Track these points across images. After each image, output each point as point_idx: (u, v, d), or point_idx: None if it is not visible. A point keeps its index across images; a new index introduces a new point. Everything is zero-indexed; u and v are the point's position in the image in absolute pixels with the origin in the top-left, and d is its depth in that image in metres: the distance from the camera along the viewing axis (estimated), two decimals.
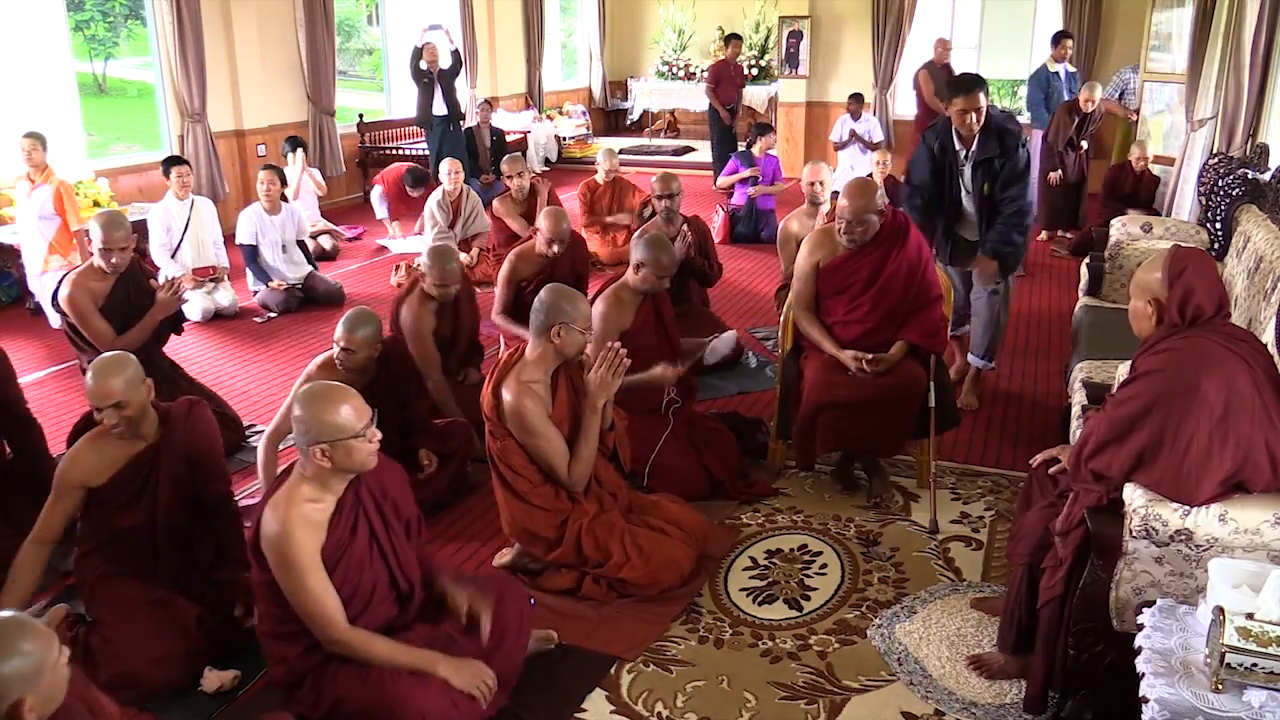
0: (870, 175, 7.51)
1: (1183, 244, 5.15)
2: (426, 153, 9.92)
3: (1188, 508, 2.51)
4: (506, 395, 3.35)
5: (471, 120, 11.15)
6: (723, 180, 9.04)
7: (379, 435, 2.68)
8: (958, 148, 4.73)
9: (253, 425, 4.90)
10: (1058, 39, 8.85)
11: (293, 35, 9.57)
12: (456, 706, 2.65)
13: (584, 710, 2.86)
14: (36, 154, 6.40)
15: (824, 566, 3.60)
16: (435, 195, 7.42)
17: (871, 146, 10.83)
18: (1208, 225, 5.38)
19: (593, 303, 4.12)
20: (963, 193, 4.83)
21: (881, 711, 2.84)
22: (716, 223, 8.85)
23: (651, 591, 3.35)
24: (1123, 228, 5.88)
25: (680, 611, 3.31)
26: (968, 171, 4.75)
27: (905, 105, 11.79)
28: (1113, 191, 8.10)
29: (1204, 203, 5.66)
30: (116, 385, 3.04)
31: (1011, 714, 2.82)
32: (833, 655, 3.09)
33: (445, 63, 9.70)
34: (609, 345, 3.40)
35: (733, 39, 11.19)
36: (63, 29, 7.94)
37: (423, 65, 9.59)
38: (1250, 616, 2.21)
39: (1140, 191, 8.06)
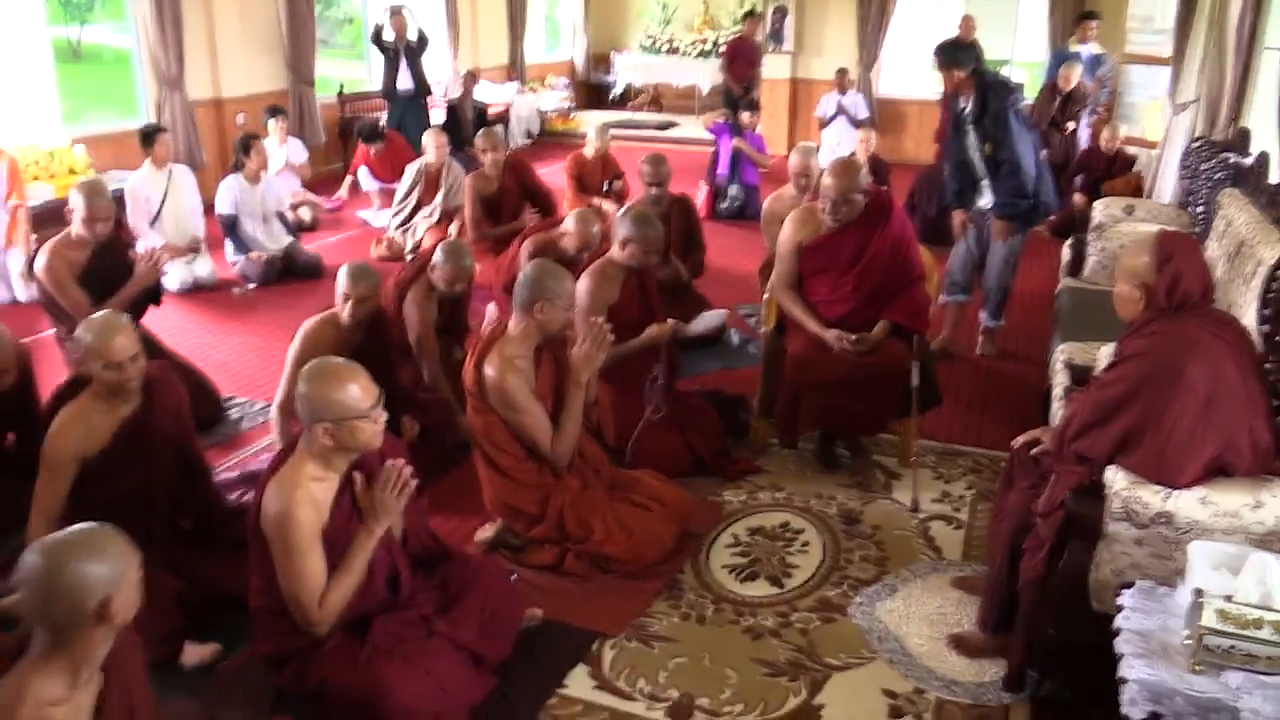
0: (854, 153, 7.50)
1: (1167, 227, 5.20)
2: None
3: (1169, 490, 2.53)
4: (489, 371, 3.33)
5: (455, 93, 11.07)
6: (706, 118, 9.11)
7: (385, 415, 2.67)
8: (960, 106, 5.06)
9: (231, 398, 4.86)
10: (1081, 19, 8.88)
11: (272, 2, 9.42)
12: (444, 691, 2.65)
13: (566, 686, 2.87)
14: None
15: (805, 544, 3.61)
16: (414, 164, 7.35)
17: (857, 123, 10.83)
18: (1189, 209, 5.40)
19: (577, 278, 4.11)
20: (970, 153, 5.10)
21: (862, 689, 2.86)
22: (699, 198, 8.82)
23: (634, 567, 3.36)
24: (1105, 209, 5.89)
25: (662, 588, 3.32)
26: (971, 132, 5.04)
27: (890, 84, 11.79)
28: (1085, 174, 8.12)
29: (1186, 186, 5.68)
30: (129, 339, 3.03)
31: (991, 692, 2.85)
32: (814, 632, 3.11)
33: (412, 35, 9.60)
34: (593, 320, 3.39)
35: (751, 16, 11.11)
36: None
37: (387, 38, 9.51)
38: (1229, 599, 2.24)
39: (1113, 173, 8.08)
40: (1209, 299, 2.67)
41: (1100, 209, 5.90)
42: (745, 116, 8.88)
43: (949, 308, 5.48)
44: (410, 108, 9.69)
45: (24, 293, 6.22)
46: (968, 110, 5.00)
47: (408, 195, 7.31)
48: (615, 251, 4.17)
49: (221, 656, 2.99)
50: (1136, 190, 7.79)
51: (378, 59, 11.12)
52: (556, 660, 2.96)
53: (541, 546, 3.44)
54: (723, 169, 8.86)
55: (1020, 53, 11.56)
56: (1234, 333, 2.64)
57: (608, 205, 5.09)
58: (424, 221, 7.26)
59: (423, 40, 9.72)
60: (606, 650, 3.02)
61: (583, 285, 4.06)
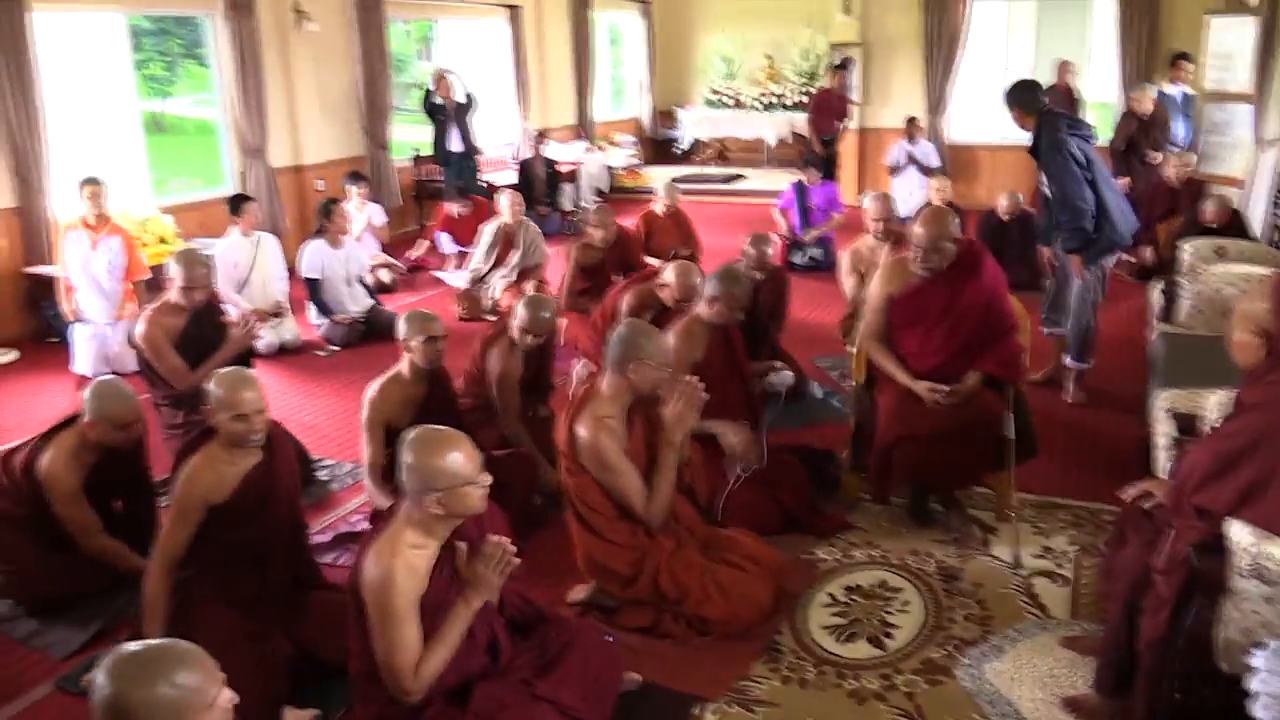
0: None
1: (1262, 270, 5.06)
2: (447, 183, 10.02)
3: None
4: (582, 432, 3.33)
5: (526, 153, 11.26)
6: (777, 215, 8.99)
7: (489, 479, 2.68)
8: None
9: (320, 459, 4.92)
10: (1175, 60, 8.77)
11: (349, 71, 9.70)
12: None
13: None
14: (98, 201, 6.21)
15: (905, 603, 3.52)
16: (490, 224, 7.46)
17: (927, 171, 10.76)
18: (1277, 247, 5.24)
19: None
20: (1042, 189, 5.25)
21: None
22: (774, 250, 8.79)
23: (731, 629, 3.30)
24: (1195, 251, 5.75)
25: (760, 650, 3.26)
26: (1039, 169, 5.21)
27: (961, 129, 11.71)
28: (1150, 210, 7.73)
29: (1277, 225, 5.52)
30: (256, 394, 3.17)
31: None
32: (921, 696, 3.02)
33: (459, 97, 9.87)
34: (687, 380, 3.37)
35: (840, 68, 11.13)
36: (128, 69, 8.14)
37: (436, 100, 9.78)
38: None
39: (1178, 207, 7.71)
40: None
41: (1190, 251, 5.75)
42: (805, 176, 8.85)
43: (1051, 338, 5.59)
44: (464, 168, 9.91)
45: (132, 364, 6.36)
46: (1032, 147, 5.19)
47: (487, 255, 7.40)
48: (702, 309, 4.17)
49: None
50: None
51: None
52: None
53: (636, 608, 3.40)
54: (797, 230, 8.79)
55: (1091, 93, 11.41)
56: None
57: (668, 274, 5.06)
58: (501, 280, 7.35)
59: (470, 101, 9.99)
60: (708, 715, 2.96)
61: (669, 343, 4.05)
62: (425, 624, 2.63)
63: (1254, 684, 2.29)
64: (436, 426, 2.77)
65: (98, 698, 1.77)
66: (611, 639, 3.27)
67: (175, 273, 4.55)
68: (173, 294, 4.58)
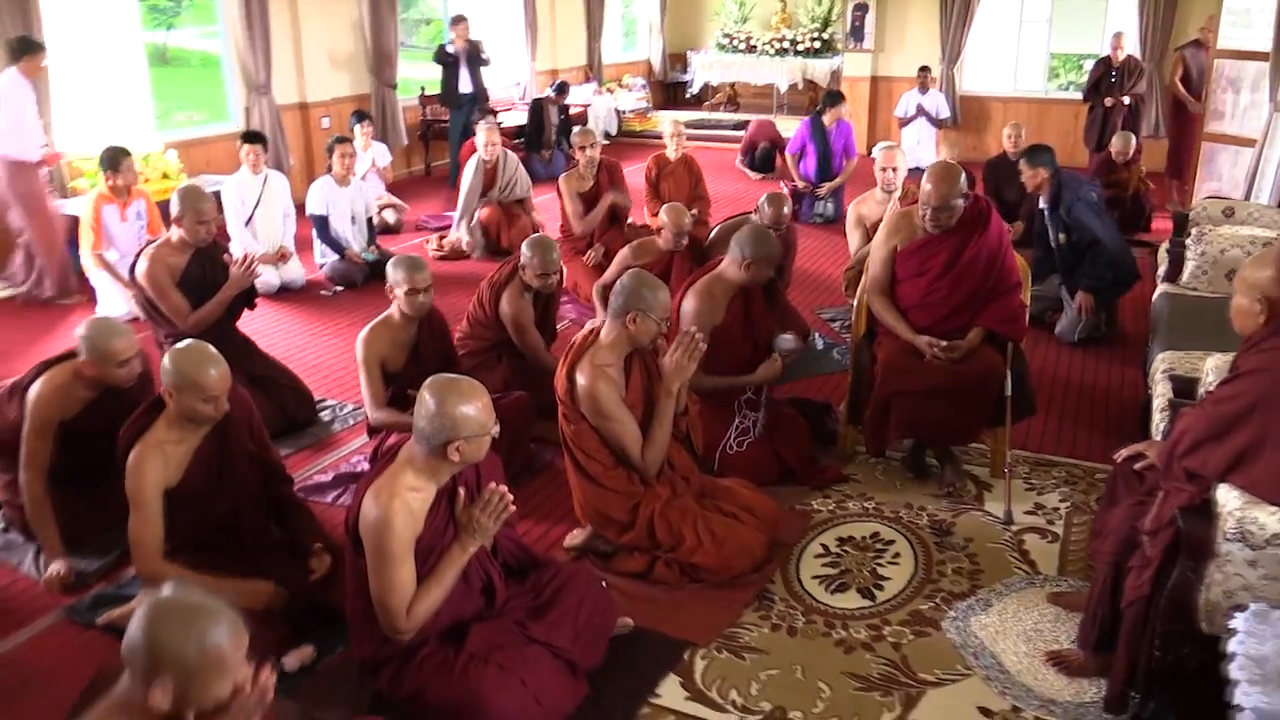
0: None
1: (1269, 230, 5.03)
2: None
3: None
4: (580, 379, 3.35)
5: (534, 94, 11.17)
6: (792, 160, 8.90)
7: (498, 430, 2.71)
8: (1040, 204, 5.68)
9: (323, 400, 4.95)
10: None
11: (355, 8, 9.59)
12: (539, 703, 2.67)
13: (659, 696, 2.87)
14: (130, 173, 6.12)
15: (897, 555, 3.57)
16: (471, 161, 7.44)
17: (937, 123, 10.68)
18: None
19: (685, 293, 4.11)
20: (1050, 242, 5.67)
21: (958, 706, 2.82)
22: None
23: (724, 577, 3.35)
24: (1203, 210, 5.72)
25: (752, 598, 3.30)
26: (1049, 224, 5.64)
27: (974, 80, 11.58)
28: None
29: None
30: (220, 369, 3.04)
31: (1091, 713, 2.78)
32: (907, 647, 3.07)
33: (473, 38, 9.88)
34: (685, 330, 3.38)
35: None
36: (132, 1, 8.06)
37: (450, 48, 9.72)
38: None
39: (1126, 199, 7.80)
40: None
41: (1198, 210, 5.73)
42: (829, 113, 8.68)
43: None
44: (472, 111, 9.85)
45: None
46: (1047, 205, 5.57)
47: (471, 194, 7.39)
48: (731, 270, 4.08)
49: (317, 659, 3.05)
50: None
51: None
52: (649, 669, 2.97)
53: (631, 554, 3.45)
54: (808, 174, 8.72)
55: (1109, 47, 11.22)
56: None
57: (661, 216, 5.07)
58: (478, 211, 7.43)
59: (484, 53, 9.97)
60: (698, 660, 3.01)
61: (689, 304, 4.05)
62: (420, 565, 2.68)
63: (1232, 645, 2.33)
64: (456, 376, 2.78)
65: (129, 631, 1.81)
66: (605, 584, 3.33)
67: (181, 209, 4.53)
68: (176, 231, 4.57)
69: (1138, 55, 9.91)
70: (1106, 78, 9.45)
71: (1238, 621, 2.40)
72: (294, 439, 4.53)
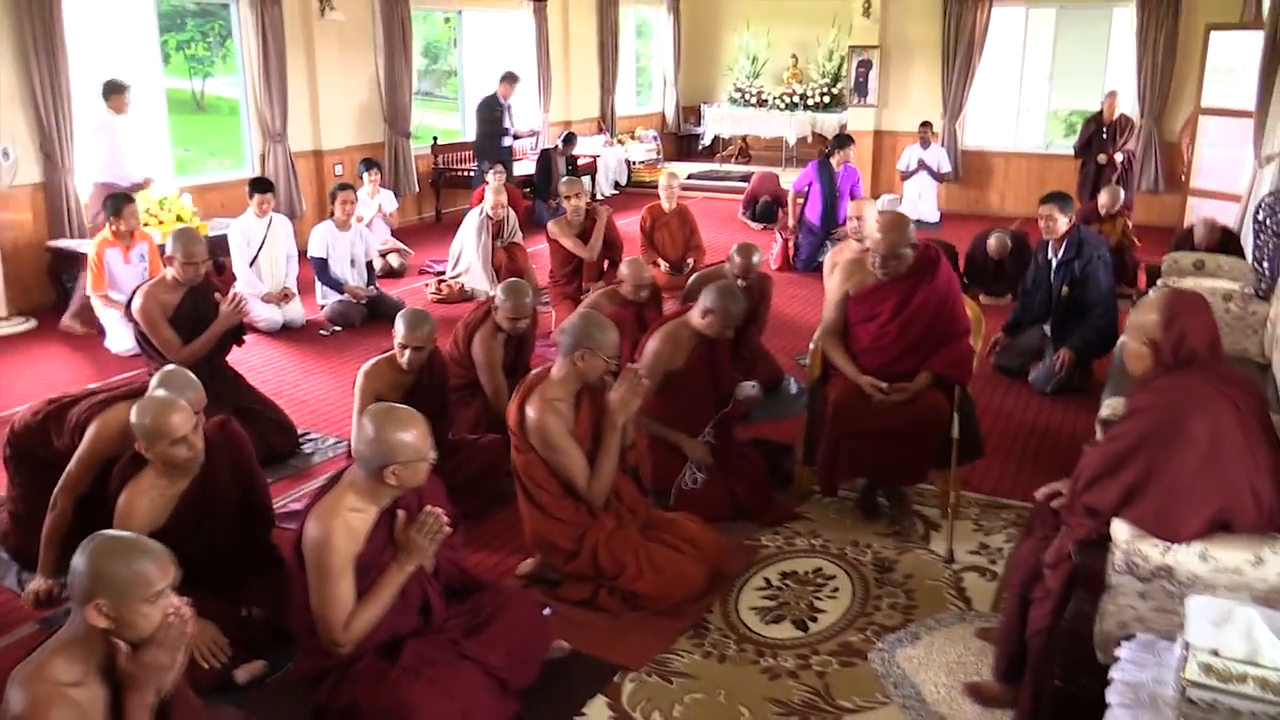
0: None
1: (1233, 283, 5.16)
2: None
3: (1168, 544, 2.56)
4: (530, 412, 3.52)
5: (545, 144, 11.48)
6: (795, 190, 9.10)
7: (435, 456, 2.89)
8: (1049, 253, 5.75)
9: (307, 433, 5.15)
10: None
11: (372, 59, 9.94)
12: (465, 713, 2.80)
13: (584, 714, 3.00)
14: (133, 219, 6.43)
15: (835, 590, 3.68)
16: (474, 214, 7.68)
17: (939, 177, 10.86)
18: (1256, 264, 5.33)
19: (642, 320, 4.29)
20: (1049, 292, 5.74)
21: None
22: (774, 251, 8.93)
23: (663, 605, 3.48)
24: (1174, 263, 5.84)
25: (688, 626, 3.43)
26: (1053, 275, 5.69)
27: (976, 135, 11.77)
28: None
29: (1256, 241, 5.61)
30: (183, 415, 3.14)
31: None
32: (831, 675, 3.18)
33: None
34: (630, 367, 3.55)
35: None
36: (154, 46, 8.43)
37: (500, 101, 10.13)
38: (1215, 653, 2.26)
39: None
40: (1217, 355, 2.71)
41: (1168, 264, 5.86)
42: (836, 155, 8.83)
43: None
44: (505, 162, 10.16)
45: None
46: (1058, 256, 5.66)
47: (474, 245, 7.63)
48: (694, 318, 4.23)
49: (268, 673, 3.20)
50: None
51: (472, 111, 11.66)
52: (577, 689, 3.10)
53: (576, 582, 3.59)
54: (814, 218, 8.84)
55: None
56: (1241, 390, 2.66)
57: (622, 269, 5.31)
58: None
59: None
60: (627, 683, 3.14)
61: (651, 344, 4.22)
62: (360, 582, 2.84)
63: (1113, 672, 2.44)
64: (397, 405, 2.97)
65: (73, 563, 2.12)
66: (551, 610, 3.48)
67: (176, 250, 4.78)
68: (170, 270, 4.82)
69: (1131, 113, 10.06)
70: (1098, 135, 9.67)
71: (1123, 650, 2.50)
72: (275, 469, 4.71)
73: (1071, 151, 10.06)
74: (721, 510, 4.14)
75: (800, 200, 8.95)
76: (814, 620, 3.49)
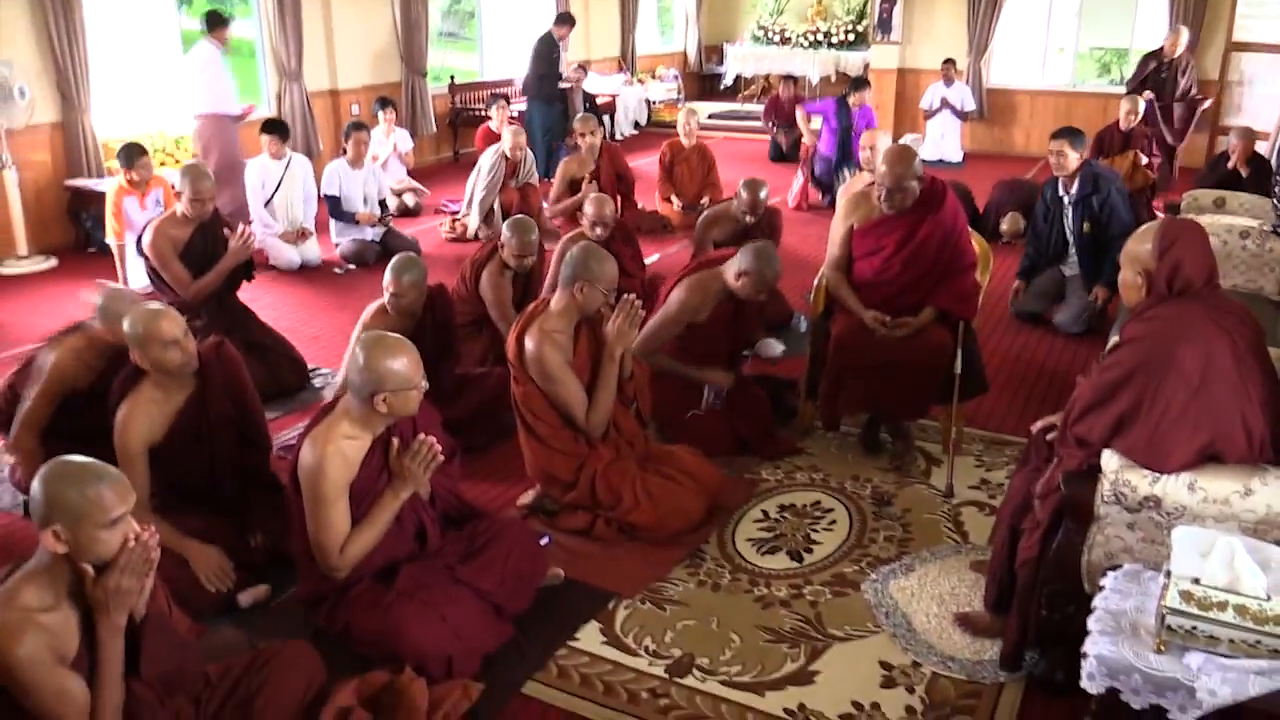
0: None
1: (1253, 220, 5.07)
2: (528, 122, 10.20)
3: (1156, 475, 2.55)
4: (529, 343, 3.53)
5: (566, 84, 11.37)
6: (803, 115, 9.18)
7: (426, 385, 2.91)
8: (1059, 191, 5.63)
9: (316, 368, 5.20)
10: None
11: None
12: (458, 635, 2.86)
13: (577, 639, 3.05)
14: (146, 169, 6.31)
15: (833, 523, 3.70)
16: (492, 151, 7.63)
17: (962, 115, 10.68)
18: (1276, 201, 5.22)
19: (678, 281, 4.26)
20: (1066, 232, 5.68)
21: (859, 659, 2.96)
22: (794, 190, 8.86)
23: (659, 536, 3.51)
24: (1194, 201, 5.74)
25: (684, 556, 3.46)
26: (1070, 213, 5.60)
27: (1001, 73, 11.54)
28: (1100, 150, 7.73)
29: (1275, 177, 5.49)
30: (172, 320, 3.19)
31: (987, 670, 2.90)
32: (823, 605, 3.21)
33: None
34: (626, 297, 3.55)
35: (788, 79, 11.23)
36: None
37: (558, 40, 10.03)
38: (1196, 581, 2.27)
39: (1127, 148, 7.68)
40: (1212, 286, 2.67)
41: (1188, 201, 5.76)
42: (853, 96, 8.76)
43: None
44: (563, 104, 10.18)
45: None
46: (1071, 193, 5.54)
47: (490, 185, 7.59)
48: (728, 274, 4.13)
49: (271, 597, 3.28)
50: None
51: (491, 50, 11.55)
52: (571, 616, 3.15)
53: (574, 512, 3.63)
54: (827, 150, 8.80)
55: (1140, 41, 11.15)
56: (1237, 320, 2.62)
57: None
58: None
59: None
60: (621, 610, 3.18)
61: (677, 293, 4.18)
62: (355, 509, 2.89)
63: (1096, 600, 2.44)
64: (386, 333, 3.00)
65: (31, 489, 2.13)
66: (550, 539, 3.52)
67: (183, 185, 4.81)
68: (179, 206, 4.85)
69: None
70: (1156, 73, 8.88)
71: (1108, 580, 2.51)
72: (284, 403, 4.79)
73: (1107, 89, 9.68)
74: (724, 444, 4.16)
75: (812, 124, 9.05)
76: (809, 552, 3.51)
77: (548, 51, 9.94)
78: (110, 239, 6.52)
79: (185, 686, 2.42)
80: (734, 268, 4.11)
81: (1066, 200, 5.59)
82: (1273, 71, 7.67)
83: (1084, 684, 2.26)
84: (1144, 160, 7.64)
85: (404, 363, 2.83)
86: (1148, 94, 8.45)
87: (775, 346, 4.64)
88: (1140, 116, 7.66)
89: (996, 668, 2.90)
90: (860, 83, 8.93)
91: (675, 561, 3.43)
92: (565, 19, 10.20)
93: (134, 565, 2.16)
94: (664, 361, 4.16)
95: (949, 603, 3.21)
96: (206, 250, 4.87)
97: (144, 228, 4.95)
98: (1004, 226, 7.27)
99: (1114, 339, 4.20)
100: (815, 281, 4.46)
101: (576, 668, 2.93)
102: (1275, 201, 5.31)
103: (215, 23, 7.55)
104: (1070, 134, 5.48)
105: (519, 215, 4.91)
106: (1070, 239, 5.67)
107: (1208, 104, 8.42)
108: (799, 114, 9.30)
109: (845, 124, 8.68)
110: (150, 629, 2.30)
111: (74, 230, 7.49)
